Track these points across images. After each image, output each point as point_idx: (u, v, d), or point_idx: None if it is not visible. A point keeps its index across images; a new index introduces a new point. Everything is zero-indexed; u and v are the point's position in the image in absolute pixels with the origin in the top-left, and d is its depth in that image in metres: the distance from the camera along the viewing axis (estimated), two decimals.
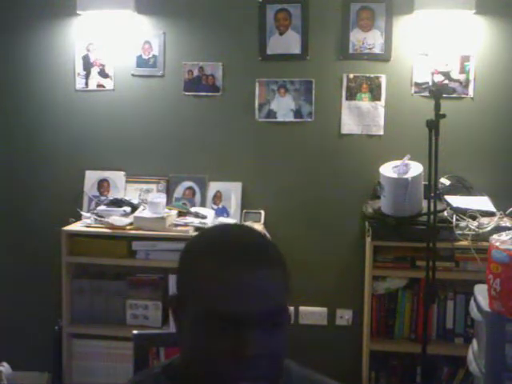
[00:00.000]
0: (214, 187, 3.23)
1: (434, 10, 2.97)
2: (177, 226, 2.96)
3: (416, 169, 2.80)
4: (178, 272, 1.00)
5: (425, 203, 2.69)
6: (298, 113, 3.16)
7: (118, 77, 3.25)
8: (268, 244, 0.99)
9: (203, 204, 3.20)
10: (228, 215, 3.19)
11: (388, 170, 2.83)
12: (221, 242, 0.96)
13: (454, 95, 3.04)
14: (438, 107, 2.45)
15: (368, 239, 2.91)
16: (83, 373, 3.10)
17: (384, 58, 3.09)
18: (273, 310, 0.91)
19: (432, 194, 2.52)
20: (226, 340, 0.89)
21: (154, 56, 3.22)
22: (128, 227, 2.97)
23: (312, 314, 3.23)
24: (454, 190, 3.03)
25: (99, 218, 3.01)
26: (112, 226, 2.96)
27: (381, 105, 3.11)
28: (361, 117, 3.12)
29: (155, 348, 2.59)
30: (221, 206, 3.21)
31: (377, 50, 3.09)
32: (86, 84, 3.27)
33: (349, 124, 3.14)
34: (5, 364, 3.10)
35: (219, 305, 0.89)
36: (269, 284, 0.92)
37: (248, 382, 0.90)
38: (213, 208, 3.20)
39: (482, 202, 2.95)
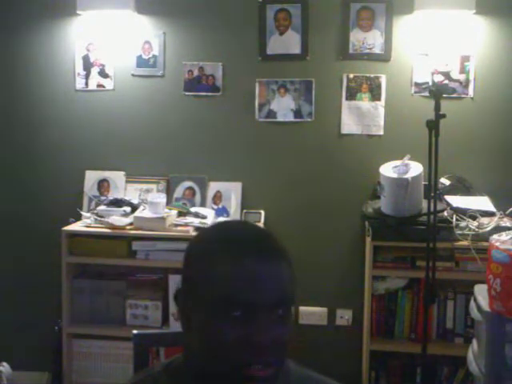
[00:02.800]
0: (213, 187, 3.23)
1: (434, 9, 2.97)
2: (177, 226, 2.97)
3: (416, 169, 2.80)
4: (185, 265, 1.02)
5: (425, 203, 2.69)
6: (297, 113, 3.16)
7: (118, 77, 3.25)
8: (272, 238, 1.03)
9: (203, 204, 3.21)
10: (228, 215, 3.19)
11: (388, 169, 2.83)
12: (232, 234, 1.01)
13: (454, 95, 3.04)
14: (437, 107, 2.45)
15: (368, 239, 2.91)
16: (83, 373, 3.10)
17: (384, 58, 3.09)
18: (283, 300, 0.95)
19: (432, 194, 2.52)
20: (239, 327, 0.92)
21: (153, 56, 3.22)
22: (128, 227, 2.97)
23: (312, 313, 3.23)
24: (454, 189, 3.03)
25: (99, 218, 3.01)
26: (112, 226, 2.96)
27: (381, 105, 3.11)
28: (361, 117, 3.12)
29: (155, 348, 2.60)
30: (221, 205, 3.21)
31: (377, 50, 3.09)
32: (86, 84, 3.27)
33: (349, 124, 3.14)
34: (5, 364, 3.09)
35: (233, 293, 0.92)
36: (280, 274, 0.96)
37: (258, 368, 0.92)
38: (213, 208, 3.20)
39: (482, 202, 2.95)
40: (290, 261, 1.00)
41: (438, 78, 3.05)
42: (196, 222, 2.97)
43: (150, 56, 3.22)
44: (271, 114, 3.18)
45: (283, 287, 0.95)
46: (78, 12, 3.15)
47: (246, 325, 0.92)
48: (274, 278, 0.95)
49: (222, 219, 3.09)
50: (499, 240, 2.28)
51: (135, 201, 3.13)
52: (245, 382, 0.93)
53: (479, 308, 2.37)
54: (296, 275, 1.00)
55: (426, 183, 2.58)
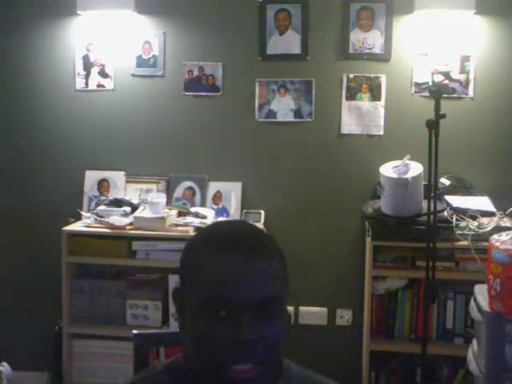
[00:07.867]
0: (213, 187, 3.23)
1: (434, 9, 2.97)
2: (177, 226, 2.96)
3: (416, 169, 2.80)
4: (180, 265, 1.03)
5: (425, 203, 2.69)
6: (297, 113, 3.16)
7: (118, 77, 3.25)
8: (262, 236, 1.02)
9: (203, 204, 3.21)
10: (228, 215, 3.19)
11: (388, 169, 2.83)
12: (218, 234, 1.01)
13: (454, 95, 3.04)
14: (438, 107, 2.45)
15: (368, 239, 2.91)
16: (83, 373, 3.10)
17: (384, 57, 3.09)
18: (271, 298, 0.94)
19: (432, 194, 2.52)
20: (224, 325, 0.92)
21: (153, 56, 3.21)
22: (128, 227, 2.98)
23: (312, 314, 3.24)
24: (453, 189, 3.03)
25: (99, 218, 3.01)
26: (112, 226, 2.96)
27: (381, 105, 3.11)
28: (361, 117, 3.12)
29: (155, 348, 2.60)
30: (221, 205, 3.21)
31: (377, 50, 3.09)
32: (86, 84, 3.27)
33: (349, 124, 3.14)
34: (5, 364, 3.10)
35: (216, 291, 0.93)
36: (267, 272, 0.95)
37: (244, 366, 0.92)
38: (213, 208, 3.20)
39: (482, 202, 2.95)
40: (281, 259, 0.99)
41: (438, 78, 3.05)
42: (196, 221, 2.97)
43: (150, 56, 3.22)
44: (271, 114, 3.17)
45: (271, 285, 0.95)
46: (77, 12, 3.15)
47: (231, 323, 0.92)
48: (261, 276, 0.94)
49: (221, 219, 3.08)
50: (499, 240, 2.28)
51: (135, 201, 3.13)
52: (229, 382, 0.93)
53: (479, 308, 2.37)
54: (292, 282, 0.99)
55: (426, 183, 2.58)
